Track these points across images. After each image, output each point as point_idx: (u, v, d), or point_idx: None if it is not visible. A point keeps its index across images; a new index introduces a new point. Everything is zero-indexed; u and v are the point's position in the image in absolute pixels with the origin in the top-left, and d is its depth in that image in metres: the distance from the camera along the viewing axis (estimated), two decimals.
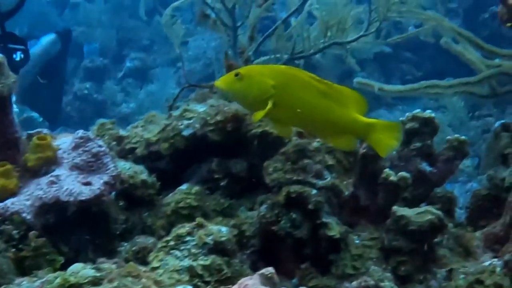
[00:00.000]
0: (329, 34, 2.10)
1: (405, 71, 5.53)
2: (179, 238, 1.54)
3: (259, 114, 1.56)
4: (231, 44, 2.11)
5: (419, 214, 1.80)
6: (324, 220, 1.77)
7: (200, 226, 1.56)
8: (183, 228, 1.56)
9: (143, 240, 1.73)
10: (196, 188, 1.84)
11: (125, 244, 1.73)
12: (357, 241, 1.82)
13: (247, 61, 2.07)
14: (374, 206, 1.91)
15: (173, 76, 6.05)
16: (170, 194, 1.85)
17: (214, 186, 1.91)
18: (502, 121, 2.31)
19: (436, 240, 1.86)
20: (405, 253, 1.79)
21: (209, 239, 1.52)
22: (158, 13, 5.66)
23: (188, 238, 1.54)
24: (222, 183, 1.91)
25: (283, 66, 1.65)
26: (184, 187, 1.85)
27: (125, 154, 1.96)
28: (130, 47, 6.50)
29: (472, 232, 2.07)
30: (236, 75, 1.56)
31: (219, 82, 1.59)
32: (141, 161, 1.92)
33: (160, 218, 1.81)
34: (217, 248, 1.53)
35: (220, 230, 1.54)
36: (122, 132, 1.99)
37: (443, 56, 4.27)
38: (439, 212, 1.81)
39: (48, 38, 4.71)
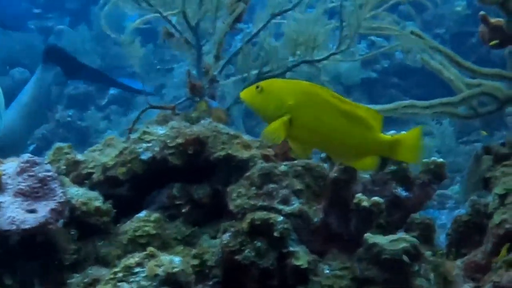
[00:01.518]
0: (298, 52, 2.00)
1: (392, 97, 5.44)
2: (128, 269, 1.42)
3: (274, 131, 1.50)
4: (195, 63, 2.01)
5: (393, 242, 1.69)
6: (291, 248, 1.65)
7: (151, 256, 1.44)
8: (132, 258, 1.45)
9: (96, 272, 1.61)
10: (155, 215, 1.73)
11: (77, 275, 1.61)
12: (327, 271, 1.71)
13: (212, 81, 1.97)
14: (346, 233, 1.80)
15: (158, 103, 5.94)
16: (128, 222, 1.73)
17: (175, 213, 1.80)
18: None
19: (412, 269, 1.74)
20: (378, 283, 1.68)
21: (160, 270, 1.40)
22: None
23: (138, 269, 1.43)
24: (183, 210, 1.79)
25: (306, 83, 1.56)
26: (142, 214, 1.74)
27: (82, 179, 1.84)
28: (115, 74, 6.42)
29: (452, 260, 1.97)
30: (257, 87, 1.50)
31: (243, 93, 1.53)
32: (98, 187, 1.80)
33: (116, 248, 1.69)
34: (170, 280, 1.41)
35: (172, 260, 1.43)
36: (79, 157, 1.88)
37: (431, 81, 4.20)
38: (414, 240, 1.70)
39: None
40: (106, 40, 6.48)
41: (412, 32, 2.09)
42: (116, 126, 5.86)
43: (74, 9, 7.01)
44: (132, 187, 1.83)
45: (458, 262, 1.95)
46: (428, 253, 1.85)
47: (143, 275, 1.41)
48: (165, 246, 1.72)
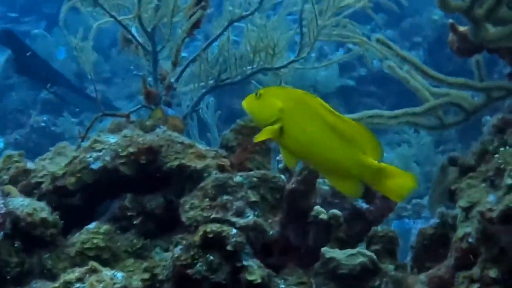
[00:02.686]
0: (257, 59, 1.94)
1: (369, 105, 5.40)
2: (68, 285, 1.36)
3: (259, 136, 1.41)
4: (151, 70, 1.94)
5: (350, 256, 1.64)
6: (244, 263, 1.59)
7: (93, 271, 1.38)
8: (73, 273, 1.38)
9: (41, 285, 1.55)
10: (105, 227, 1.66)
11: None
12: (283, 286, 1.65)
13: (169, 88, 1.91)
14: (304, 247, 1.75)
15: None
16: (76, 234, 1.67)
17: (126, 224, 1.73)
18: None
19: (372, 284, 1.69)
20: None
21: (100, 287, 1.34)
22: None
23: (78, 285, 1.36)
24: (135, 221, 1.73)
25: (299, 91, 1.47)
26: (91, 226, 1.67)
27: (31, 189, 1.78)
28: (90, 79, 6.34)
29: (416, 274, 1.91)
30: (256, 94, 1.44)
31: (244, 101, 1.45)
32: (47, 197, 1.74)
33: (63, 261, 1.63)
34: None
35: (114, 276, 1.36)
36: (29, 165, 1.81)
37: (409, 90, 4.16)
38: (372, 254, 1.65)
39: None
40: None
41: (378, 40, 2.04)
42: (91, 132, 5.77)
43: (51, 14, 6.93)
44: (83, 197, 1.77)
45: (422, 276, 1.89)
46: (390, 267, 1.81)
47: None
48: (115, 259, 1.66)
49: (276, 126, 1.41)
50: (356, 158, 1.41)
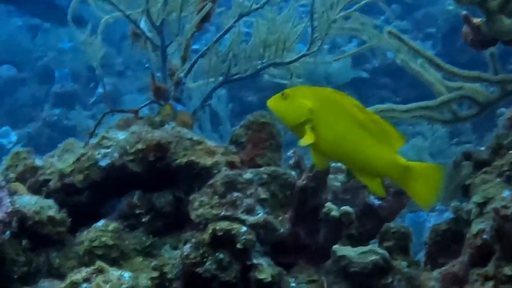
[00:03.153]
0: (267, 54, 1.91)
1: (383, 97, 5.36)
2: (75, 285, 1.34)
3: (303, 141, 1.39)
4: (160, 65, 1.91)
5: (362, 254, 1.61)
6: (254, 261, 1.57)
7: (99, 271, 1.36)
8: (79, 274, 1.36)
9: (48, 284, 1.53)
10: (113, 225, 1.64)
11: None
12: (293, 284, 1.63)
13: (178, 84, 1.88)
14: (315, 244, 1.72)
15: (146, 102, 5.87)
16: (85, 232, 1.65)
17: (135, 222, 1.71)
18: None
19: (384, 282, 1.66)
20: None
21: (107, 287, 1.32)
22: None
23: (84, 285, 1.34)
24: (144, 219, 1.71)
25: (329, 90, 1.45)
26: (100, 223, 1.65)
27: (39, 186, 1.76)
28: (103, 72, 6.33)
29: (429, 271, 1.88)
30: (283, 94, 1.42)
31: (269, 101, 1.44)
32: (55, 195, 1.72)
33: (71, 259, 1.61)
34: None
35: (121, 276, 1.34)
36: (37, 162, 1.79)
37: (422, 82, 4.11)
38: (384, 252, 1.62)
39: None
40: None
41: (389, 33, 2.00)
42: (103, 125, 5.76)
43: (62, 7, 6.92)
44: (91, 195, 1.75)
45: (435, 273, 1.86)
46: (403, 264, 1.78)
47: None
48: (123, 258, 1.64)
49: (308, 128, 1.38)
50: (386, 157, 1.40)
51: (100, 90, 6.13)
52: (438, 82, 2.12)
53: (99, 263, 1.38)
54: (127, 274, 1.35)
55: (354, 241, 1.73)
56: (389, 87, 5.40)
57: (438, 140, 4.76)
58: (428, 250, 2.02)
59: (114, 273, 1.35)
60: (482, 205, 1.82)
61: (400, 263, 1.75)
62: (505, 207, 1.41)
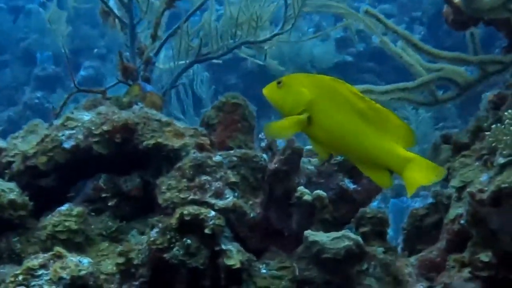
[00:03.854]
0: (239, 32, 1.85)
1: (367, 82, 5.30)
2: (31, 271, 1.28)
3: (286, 129, 1.32)
4: (128, 43, 1.85)
5: (335, 240, 1.56)
6: (223, 247, 1.51)
7: (57, 256, 1.30)
8: (36, 260, 1.30)
9: (8, 270, 1.46)
10: (78, 209, 1.58)
11: None
12: (264, 271, 1.57)
13: (148, 63, 1.81)
14: (287, 229, 1.67)
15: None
16: (48, 216, 1.59)
17: (101, 206, 1.65)
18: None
19: (359, 269, 1.61)
20: (318, 285, 1.54)
21: (65, 274, 1.26)
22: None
23: (41, 272, 1.28)
24: (110, 203, 1.65)
25: (327, 77, 1.39)
26: (64, 207, 1.59)
27: (2, 169, 1.70)
28: (85, 55, 6.26)
29: (406, 257, 1.83)
30: (279, 82, 1.35)
31: (265, 89, 1.37)
32: (18, 177, 1.65)
33: (33, 244, 1.55)
34: (75, 284, 1.27)
35: (79, 262, 1.28)
36: (1, 144, 1.72)
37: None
38: (358, 238, 1.57)
39: None
40: (75, 21, 6.31)
41: (366, 12, 1.94)
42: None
43: None
44: (56, 178, 1.69)
45: (412, 259, 1.82)
46: (379, 250, 1.73)
47: (46, 278, 1.26)
48: (88, 243, 1.58)
49: (303, 116, 1.32)
50: (384, 146, 1.34)
51: (82, 73, 6.06)
52: (418, 63, 2.07)
53: (57, 249, 1.32)
54: (86, 260, 1.29)
55: (329, 226, 1.69)
56: (374, 71, 5.35)
57: (422, 125, 4.72)
58: (406, 236, 1.98)
59: (72, 259, 1.29)
60: (460, 189, 1.77)
61: (376, 249, 1.71)
62: (481, 191, 1.36)
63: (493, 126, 1.32)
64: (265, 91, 1.37)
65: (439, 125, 4.83)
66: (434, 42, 3.94)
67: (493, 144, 1.33)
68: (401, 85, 2.04)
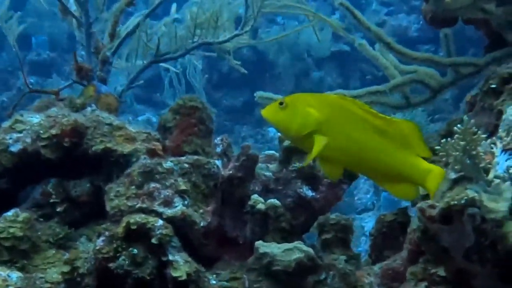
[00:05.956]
0: (198, 32, 1.79)
1: (365, 71, 5.25)
2: None
3: (311, 155, 1.31)
4: (84, 42, 1.79)
5: (286, 252, 1.51)
6: (170, 257, 1.46)
7: None
8: None
9: None
10: (24, 215, 1.53)
11: None
12: (214, 282, 1.53)
13: (104, 62, 1.76)
14: (242, 238, 1.62)
15: (124, 72, 5.74)
16: None
17: (49, 212, 1.61)
18: None
19: (316, 279, 1.57)
20: None
21: None
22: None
23: None
24: (59, 209, 1.60)
25: (334, 96, 1.38)
26: (9, 213, 1.54)
27: None
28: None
29: (370, 265, 1.78)
30: (281, 103, 1.32)
31: (264, 110, 1.34)
32: None
33: None
34: None
35: (8, 277, 1.24)
36: None
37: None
38: (309, 250, 1.52)
39: None
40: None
41: (341, 4, 1.88)
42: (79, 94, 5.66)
43: None
44: (3, 182, 1.64)
45: (376, 267, 1.76)
46: (341, 258, 1.68)
47: None
48: (35, 250, 1.54)
49: (325, 139, 1.30)
50: (407, 160, 1.35)
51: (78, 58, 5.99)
52: (392, 66, 2.01)
53: None
54: (15, 275, 1.25)
55: (286, 235, 1.64)
56: (371, 60, 5.27)
57: (417, 117, 4.67)
58: (373, 242, 1.92)
59: (1, 273, 1.24)
60: (425, 197, 1.71)
61: (338, 257, 1.66)
62: (431, 206, 1.30)
63: (443, 140, 1.26)
64: (265, 113, 1.34)
65: (436, 116, 4.78)
66: (433, 32, 3.86)
67: (443, 159, 1.28)
68: (373, 88, 1.99)
